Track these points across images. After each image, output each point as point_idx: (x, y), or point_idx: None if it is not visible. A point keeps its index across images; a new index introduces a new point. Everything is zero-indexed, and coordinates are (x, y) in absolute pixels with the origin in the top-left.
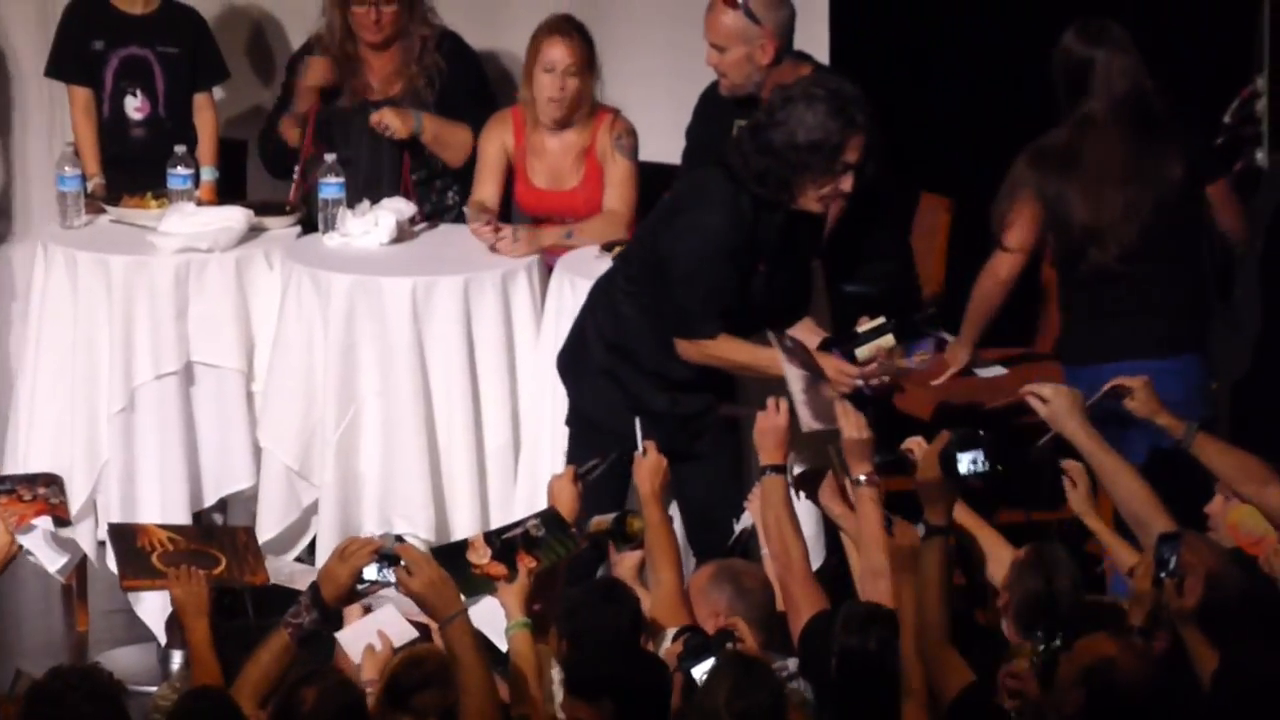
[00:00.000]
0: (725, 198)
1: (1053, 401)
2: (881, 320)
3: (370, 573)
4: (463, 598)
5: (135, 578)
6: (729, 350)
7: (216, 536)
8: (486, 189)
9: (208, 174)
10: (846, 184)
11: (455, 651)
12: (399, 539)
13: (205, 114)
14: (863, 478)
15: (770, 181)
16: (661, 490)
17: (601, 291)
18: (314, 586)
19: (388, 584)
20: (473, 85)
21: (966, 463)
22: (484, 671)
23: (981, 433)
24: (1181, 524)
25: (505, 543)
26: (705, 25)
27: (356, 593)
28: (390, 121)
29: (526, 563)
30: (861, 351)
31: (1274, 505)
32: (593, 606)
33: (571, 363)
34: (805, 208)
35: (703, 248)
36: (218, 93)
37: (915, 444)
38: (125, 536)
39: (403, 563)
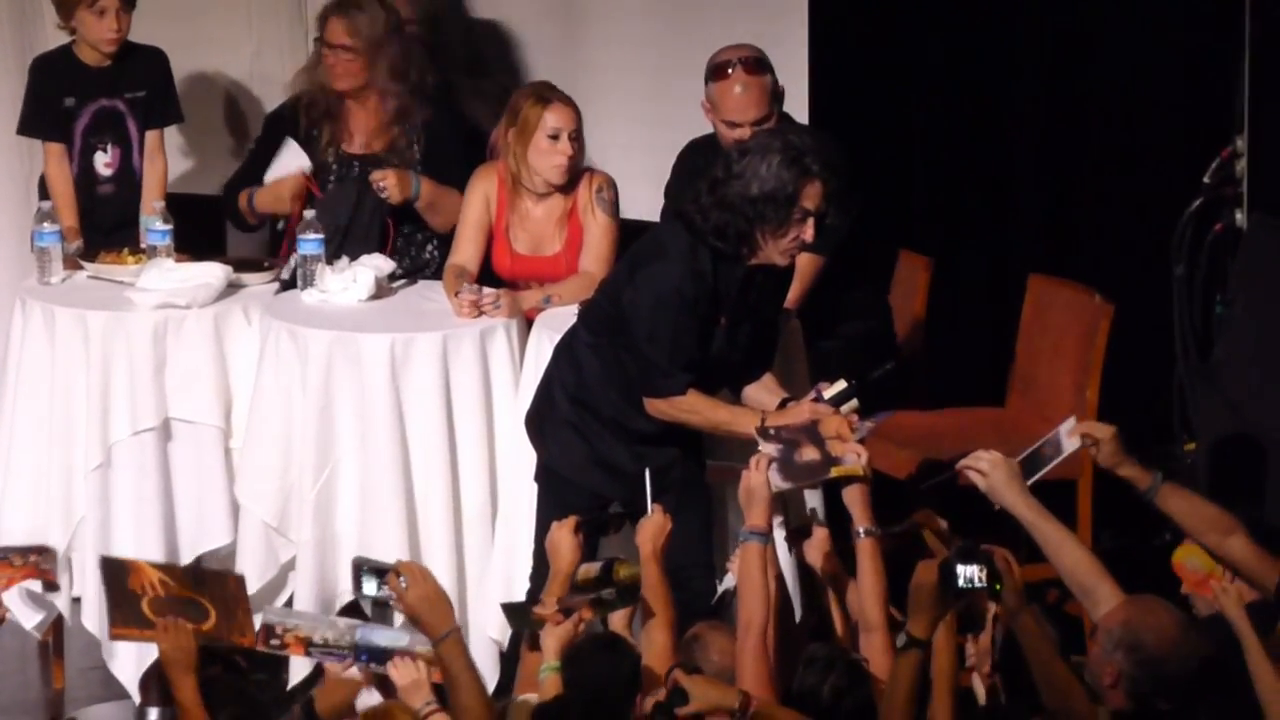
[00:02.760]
0: (683, 251)
1: (991, 475)
2: (843, 385)
3: (370, 588)
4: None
5: (125, 626)
6: (703, 407)
7: (207, 583)
8: (468, 250)
9: (155, 233)
10: (808, 233)
11: (450, 669)
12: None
13: (155, 159)
14: (862, 530)
15: (729, 235)
16: (662, 550)
17: (565, 346)
18: (308, 705)
19: (384, 598)
20: (461, 144)
21: (965, 577)
22: (478, 688)
23: (984, 549)
24: (1126, 589)
25: (575, 605)
26: (742, 107)
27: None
28: (390, 185)
29: (584, 614)
30: None
31: (1237, 555)
32: (595, 656)
33: (538, 418)
34: (770, 260)
35: (662, 301)
36: (191, 146)
37: (925, 517)
38: (118, 574)
39: (401, 578)
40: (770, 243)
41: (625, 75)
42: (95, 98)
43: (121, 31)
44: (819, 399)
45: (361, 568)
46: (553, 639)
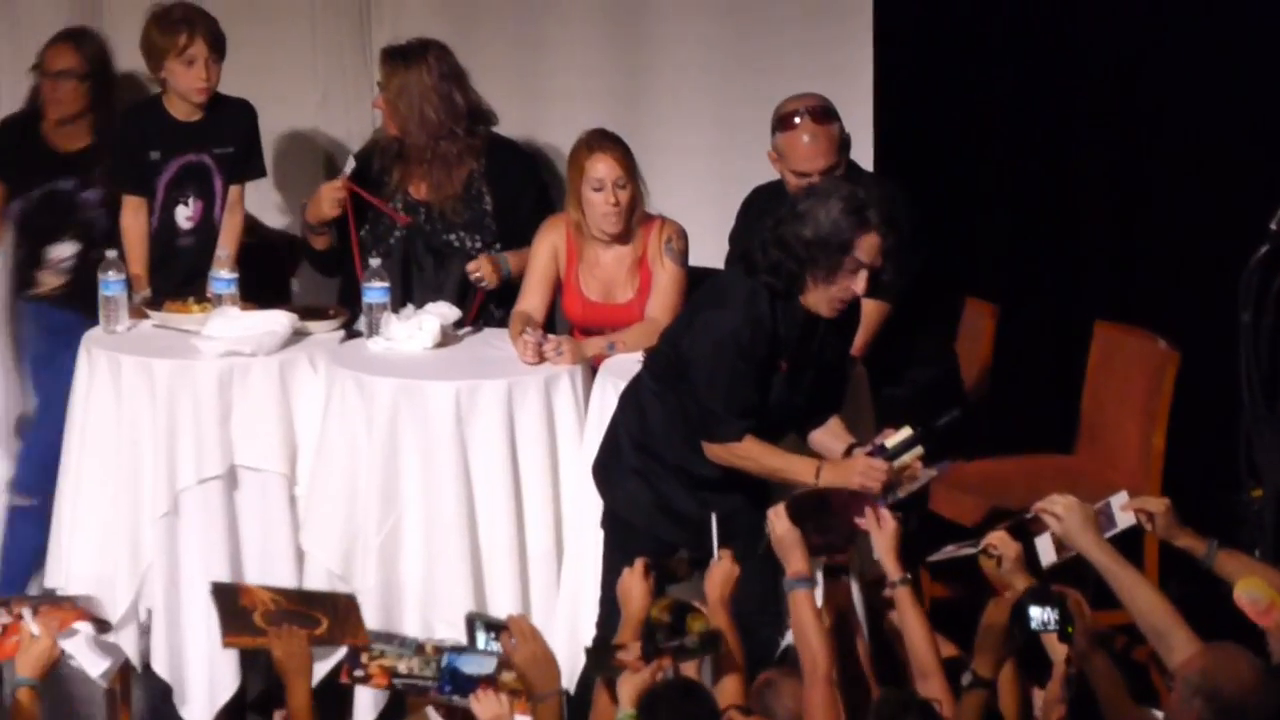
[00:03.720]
0: (743, 295)
1: (1065, 519)
2: (909, 432)
3: (480, 643)
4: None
5: (237, 635)
6: (759, 454)
7: (318, 601)
8: (533, 299)
9: (220, 281)
10: (859, 285)
11: None
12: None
13: (236, 211)
14: (898, 580)
15: (782, 274)
16: (730, 597)
17: (631, 393)
18: None
19: (494, 653)
20: (535, 194)
21: (1039, 619)
22: None
23: (1057, 590)
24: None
25: (659, 650)
26: (811, 156)
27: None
28: (486, 274)
29: (663, 661)
30: (896, 467)
31: None
32: (674, 704)
33: (604, 465)
34: (816, 309)
35: (720, 348)
36: (257, 195)
37: (999, 539)
38: (228, 595)
39: (510, 634)
40: (818, 288)
41: (690, 125)
42: (183, 152)
43: (211, 82)
44: (881, 447)
45: (474, 622)
46: (629, 686)
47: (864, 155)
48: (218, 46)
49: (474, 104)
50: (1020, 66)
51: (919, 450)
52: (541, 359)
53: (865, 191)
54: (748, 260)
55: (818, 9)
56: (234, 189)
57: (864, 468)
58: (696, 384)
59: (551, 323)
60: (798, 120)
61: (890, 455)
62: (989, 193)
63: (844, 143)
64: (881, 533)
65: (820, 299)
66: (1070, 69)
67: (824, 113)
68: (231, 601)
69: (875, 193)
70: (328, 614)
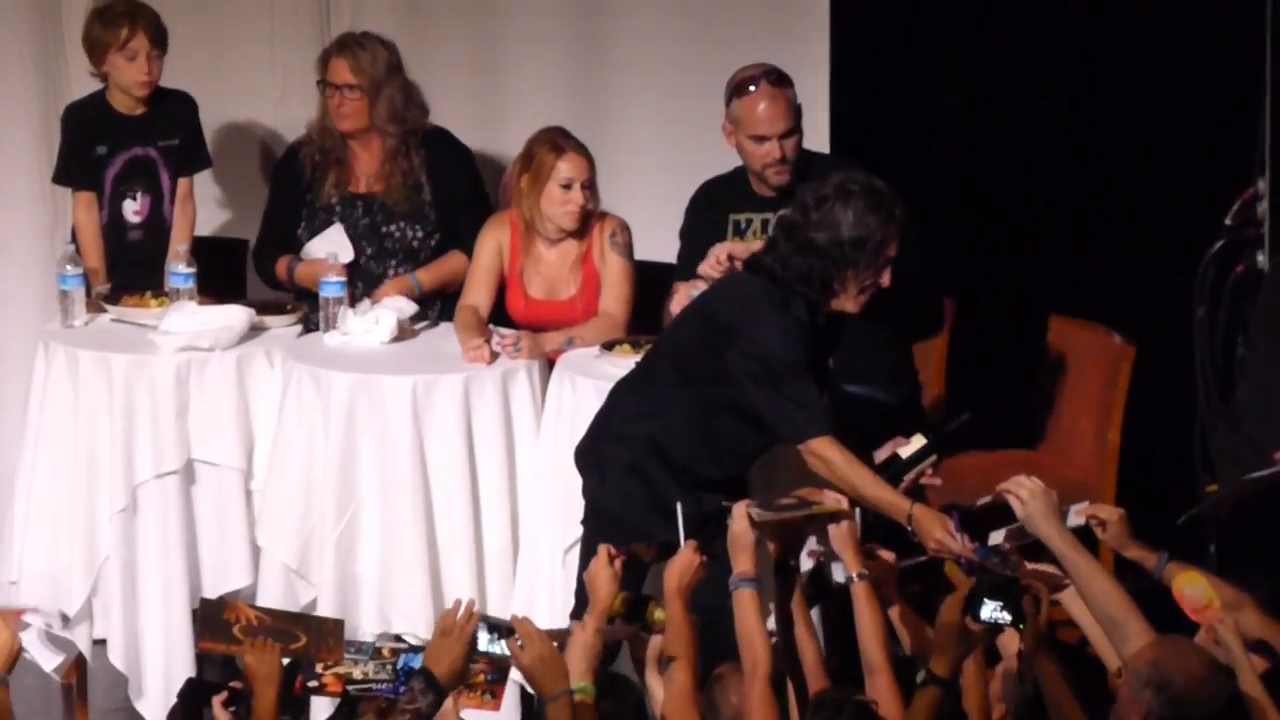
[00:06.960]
0: (777, 301)
1: (1029, 504)
2: (922, 441)
3: (483, 643)
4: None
5: (211, 641)
6: (856, 479)
7: (304, 621)
8: (479, 294)
9: (178, 276)
10: (885, 279)
11: None
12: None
13: (186, 205)
14: (855, 575)
15: (814, 280)
16: (688, 588)
17: (630, 390)
18: (425, 671)
19: (501, 656)
20: (470, 185)
21: (990, 611)
22: None
23: (1010, 583)
24: (1157, 628)
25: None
26: (770, 119)
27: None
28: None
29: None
30: (910, 478)
31: (1249, 629)
32: (597, 696)
33: (593, 458)
34: (843, 307)
35: (775, 355)
36: (216, 191)
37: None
38: (213, 608)
39: (516, 636)
40: (852, 287)
41: (645, 122)
42: (128, 146)
43: (153, 76)
44: (894, 456)
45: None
46: (579, 659)
47: (819, 147)
48: (159, 40)
49: (415, 93)
50: (977, 56)
51: (933, 458)
52: (489, 361)
53: (868, 180)
54: (767, 274)
55: (775, 4)
56: (182, 182)
57: (942, 533)
58: (759, 401)
59: (501, 318)
60: (753, 87)
61: (905, 465)
62: (944, 187)
63: (798, 110)
64: (839, 529)
65: (849, 298)
66: (1026, 62)
67: (779, 77)
68: (215, 614)
69: (882, 185)
70: (309, 633)
